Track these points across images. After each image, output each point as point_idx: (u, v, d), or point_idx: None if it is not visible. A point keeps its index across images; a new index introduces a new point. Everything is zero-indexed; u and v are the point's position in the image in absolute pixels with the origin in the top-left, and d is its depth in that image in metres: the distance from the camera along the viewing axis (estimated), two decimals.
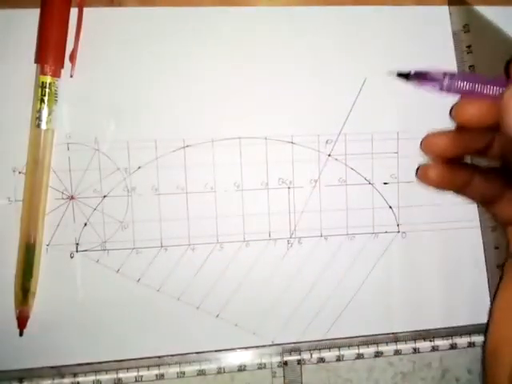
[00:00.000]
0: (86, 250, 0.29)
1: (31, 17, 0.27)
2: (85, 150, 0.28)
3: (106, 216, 0.29)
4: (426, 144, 0.24)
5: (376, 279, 0.31)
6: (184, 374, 0.30)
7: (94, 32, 0.28)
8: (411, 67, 0.27)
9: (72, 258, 0.29)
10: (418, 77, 0.24)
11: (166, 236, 0.29)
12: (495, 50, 0.30)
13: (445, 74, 0.21)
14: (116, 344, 0.29)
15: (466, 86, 0.21)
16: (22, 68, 0.27)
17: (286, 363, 0.31)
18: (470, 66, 0.29)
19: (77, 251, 0.29)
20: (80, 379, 0.29)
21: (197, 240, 0.29)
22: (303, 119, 0.29)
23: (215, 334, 0.30)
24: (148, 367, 0.30)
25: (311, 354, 0.31)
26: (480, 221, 0.31)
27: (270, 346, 0.31)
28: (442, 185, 0.23)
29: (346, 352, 0.31)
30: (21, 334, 0.28)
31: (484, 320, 0.24)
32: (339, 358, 0.31)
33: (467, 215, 0.31)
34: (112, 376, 0.30)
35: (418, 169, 0.26)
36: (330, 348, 0.31)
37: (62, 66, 0.27)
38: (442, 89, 0.21)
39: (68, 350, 0.29)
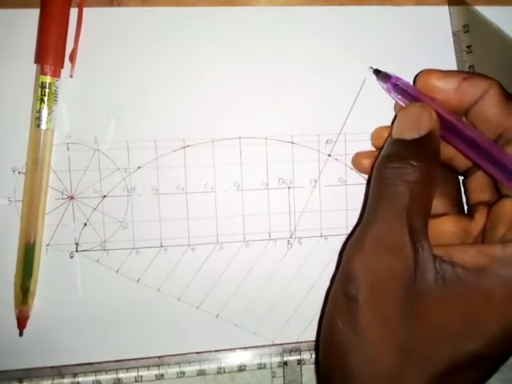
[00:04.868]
0: (85, 250, 0.29)
1: (31, 17, 0.27)
2: (85, 150, 0.28)
3: (105, 216, 0.29)
4: (354, 162, 0.29)
5: None
6: (184, 373, 0.30)
7: (94, 32, 0.28)
8: (409, 67, 0.27)
9: (72, 257, 0.29)
10: (383, 78, 0.28)
11: (165, 236, 0.29)
12: (495, 50, 0.30)
13: (395, 85, 0.27)
14: (116, 344, 0.29)
15: (398, 97, 0.27)
16: (22, 68, 0.27)
17: (285, 363, 0.31)
18: (470, 66, 0.29)
19: (77, 251, 0.29)
20: (80, 379, 0.29)
21: (197, 240, 0.29)
22: (303, 119, 0.29)
23: (215, 334, 0.30)
24: (148, 367, 0.30)
25: (311, 354, 0.31)
26: None
27: (270, 346, 0.31)
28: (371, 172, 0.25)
29: None
30: (21, 334, 0.28)
31: None
32: None
33: None
34: (112, 376, 0.30)
35: (353, 156, 0.30)
36: None
37: (62, 66, 0.27)
38: (390, 93, 0.27)
39: (68, 349, 0.29)
